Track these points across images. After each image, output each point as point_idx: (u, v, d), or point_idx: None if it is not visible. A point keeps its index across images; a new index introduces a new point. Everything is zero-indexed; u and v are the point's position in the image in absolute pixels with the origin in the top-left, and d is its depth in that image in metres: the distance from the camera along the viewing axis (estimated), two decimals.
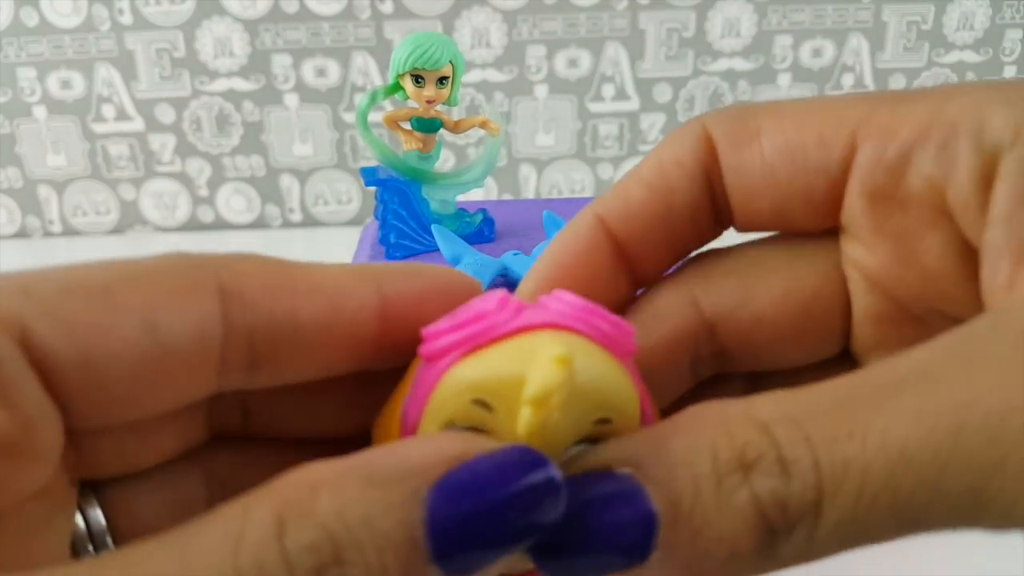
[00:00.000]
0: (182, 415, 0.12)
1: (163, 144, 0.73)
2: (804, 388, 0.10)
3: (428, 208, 0.29)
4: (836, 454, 0.09)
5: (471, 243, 0.28)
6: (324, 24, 0.69)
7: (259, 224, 0.75)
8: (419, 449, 0.09)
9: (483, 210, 0.31)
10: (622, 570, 0.10)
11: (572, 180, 0.76)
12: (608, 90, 0.71)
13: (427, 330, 0.12)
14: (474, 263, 0.23)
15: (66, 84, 0.71)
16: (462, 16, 0.69)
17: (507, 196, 0.75)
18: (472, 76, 0.70)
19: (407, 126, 0.29)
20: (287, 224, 0.76)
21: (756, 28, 0.71)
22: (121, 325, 0.10)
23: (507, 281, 0.24)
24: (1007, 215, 0.11)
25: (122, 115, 0.72)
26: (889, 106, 0.12)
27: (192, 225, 0.75)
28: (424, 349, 0.12)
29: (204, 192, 0.75)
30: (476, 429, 0.11)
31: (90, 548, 0.12)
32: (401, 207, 0.29)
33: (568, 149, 0.73)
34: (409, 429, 0.11)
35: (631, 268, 0.14)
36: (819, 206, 0.13)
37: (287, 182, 0.75)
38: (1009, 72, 0.75)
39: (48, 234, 0.75)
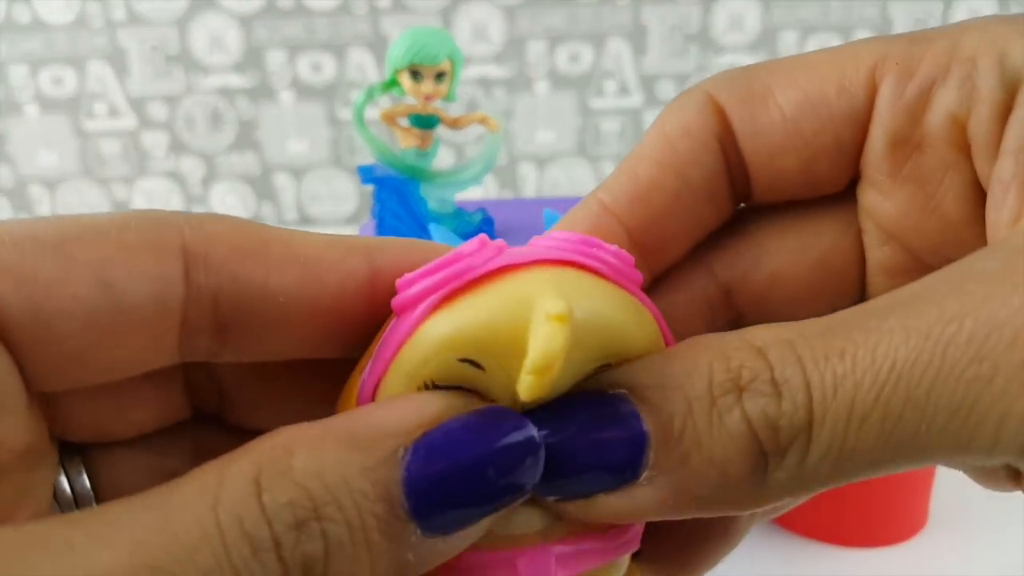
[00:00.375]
0: (158, 387, 0.12)
1: (156, 142, 0.72)
2: (804, 320, 0.10)
3: (426, 207, 0.29)
4: (827, 372, 0.09)
5: None
6: (320, 19, 0.69)
7: None
8: (397, 410, 0.09)
9: (482, 209, 0.30)
10: (612, 489, 0.10)
11: (573, 178, 0.75)
12: (610, 86, 0.70)
13: (401, 280, 0.10)
14: None
15: (58, 81, 0.70)
16: (461, 10, 0.69)
17: (507, 194, 0.74)
18: (471, 72, 0.69)
19: (404, 123, 0.28)
20: (282, 223, 0.75)
21: (761, 23, 0.70)
22: (73, 281, 0.10)
23: None
24: (1018, 147, 0.10)
25: (114, 112, 0.71)
26: (903, 45, 0.12)
27: None
28: (395, 300, 0.10)
29: (198, 190, 0.74)
30: (463, 388, 0.10)
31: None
32: (399, 206, 0.28)
33: (569, 146, 0.73)
34: (366, 394, 0.10)
35: (644, 258, 0.12)
36: (848, 156, 0.12)
37: (282, 180, 0.74)
38: None
39: None
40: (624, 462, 0.10)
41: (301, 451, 0.09)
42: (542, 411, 0.10)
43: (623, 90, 0.71)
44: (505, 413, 0.10)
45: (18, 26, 0.68)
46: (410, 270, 0.10)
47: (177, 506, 0.08)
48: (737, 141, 0.12)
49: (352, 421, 0.09)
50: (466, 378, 0.10)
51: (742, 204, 0.13)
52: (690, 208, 0.13)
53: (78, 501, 0.12)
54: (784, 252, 0.13)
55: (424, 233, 0.28)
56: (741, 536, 0.13)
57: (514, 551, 0.10)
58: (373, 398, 0.10)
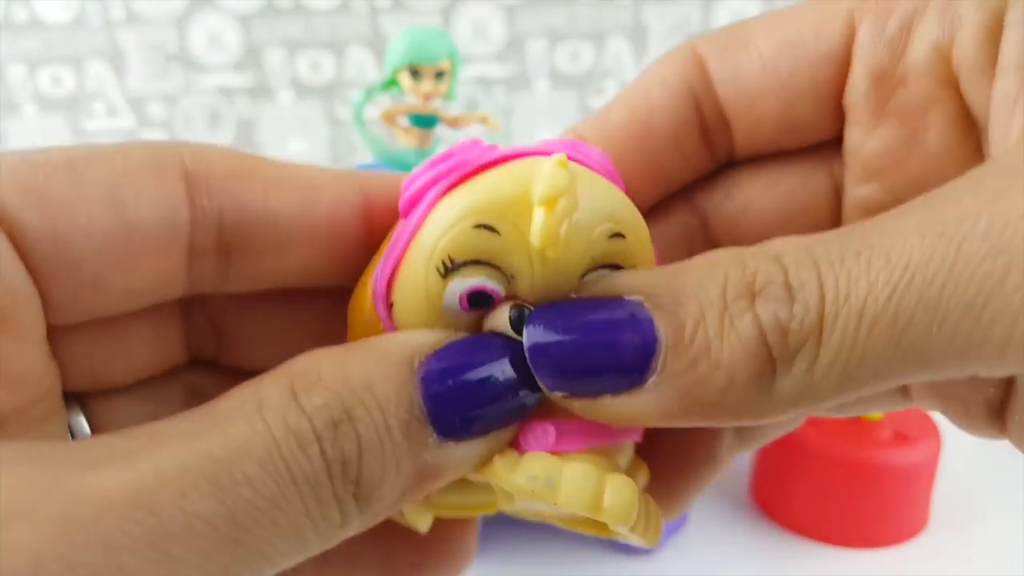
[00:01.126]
0: (157, 327, 0.12)
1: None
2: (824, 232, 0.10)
3: None
4: (841, 273, 0.09)
5: None
6: (319, 18, 0.68)
7: None
8: (409, 334, 0.10)
9: None
10: (618, 391, 0.10)
11: None
12: (611, 85, 0.70)
13: (404, 183, 0.11)
14: None
15: (56, 81, 0.70)
16: (461, 9, 0.69)
17: None
18: (471, 71, 0.69)
19: (404, 122, 0.28)
20: None
21: None
22: (87, 199, 0.10)
23: None
24: (1019, 62, 0.10)
25: (113, 111, 0.71)
26: None
27: None
28: (401, 201, 0.11)
29: None
30: (480, 263, 0.10)
31: None
32: None
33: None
34: (381, 288, 0.11)
35: None
36: (826, 97, 0.12)
37: None
38: None
39: None
40: (633, 366, 0.10)
41: (326, 364, 0.10)
42: (556, 308, 0.10)
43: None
44: (498, 338, 0.10)
45: (16, 25, 0.67)
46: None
47: (222, 414, 0.09)
48: (715, 89, 0.13)
49: (369, 341, 0.10)
50: (482, 248, 0.10)
51: (729, 161, 0.14)
52: (655, 152, 0.13)
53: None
54: (757, 186, 0.13)
55: None
56: (722, 464, 0.13)
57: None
58: (389, 290, 0.11)
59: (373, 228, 0.12)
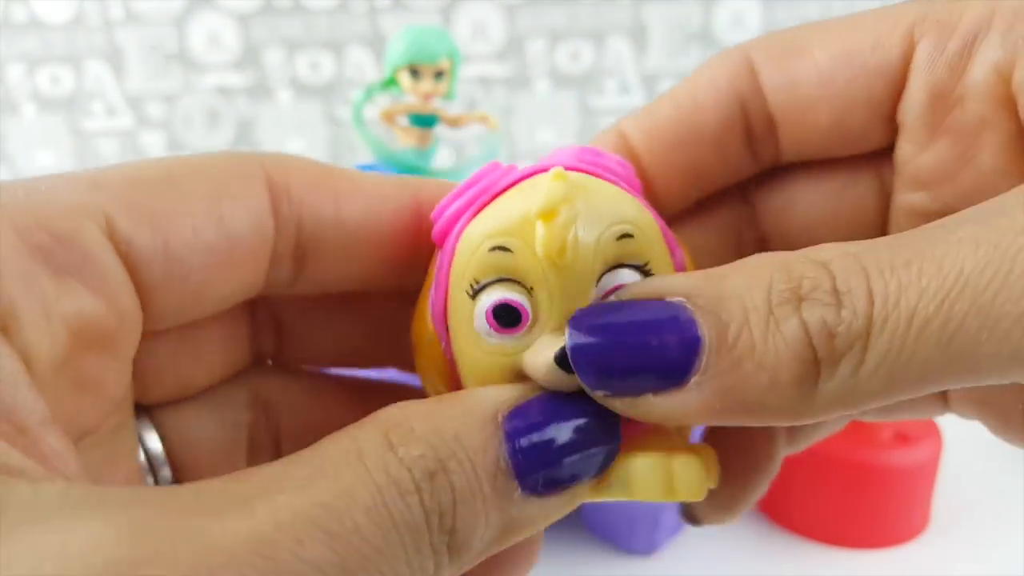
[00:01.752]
0: (227, 330, 0.13)
1: (153, 141, 0.72)
2: (871, 239, 0.10)
3: None
4: (891, 282, 0.09)
5: None
6: (318, 17, 0.68)
7: None
8: (491, 390, 0.11)
9: None
10: (660, 391, 0.10)
11: None
12: (610, 85, 0.70)
13: (434, 212, 0.12)
14: None
15: (55, 80, 0.70)
16: (460, 8, 0.68)
17: None
18: (471, 70, 0.69)
19: (403, 122, 0.28)
20: None
21: (763, 21, 0.70)
22: (192, 213, 0.10)
23: None
24: None
25: (112, 111, 0.71)
26: (942, 4, 0.12)
27: None
28: (434, 231, 0.12)
29: None
30: (501, 280, 0.11)
31: (149, 479, 0.12)
32: None
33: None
34: (438, 310, 0.12)
35: (650, 195, 0.13)
36: (880, 109, 0.13)
37: None
38: None
39: None
40: (676, 365, 0.10)
41: (416, 415, 0.10)
42: (598, 309, 0.11)
43: (624, 89, 0.71)
44: (581, 397, 0.11)
45: (15, 25, 0.67)
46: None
47: (327, 461, 0.09)
48: (765, 95, 0.13)
49: (454, 396, 0.11)
50: (500, 266, 0.11)
51: (772, 167, 0.14)
52: (697, 153, 0.13)
53: (151, 462, 0.12)
54: (804, 186, 0.14)
55: None
56: (779, 464, 0.14)
57: None
58: (445, 314, 0.12)
59: (423, 231, 0.12)
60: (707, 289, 0.10)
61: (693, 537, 0.28)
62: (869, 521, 0.27)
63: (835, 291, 0.09)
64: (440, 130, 0.29)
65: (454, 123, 0.28)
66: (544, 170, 0.11)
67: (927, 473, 0.27)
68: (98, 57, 0.69)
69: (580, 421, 0.10)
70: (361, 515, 0.08)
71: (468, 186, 0.12)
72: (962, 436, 0.35)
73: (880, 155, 0.13)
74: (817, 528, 0.28)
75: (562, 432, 0.10)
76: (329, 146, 0.73)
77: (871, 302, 0.09)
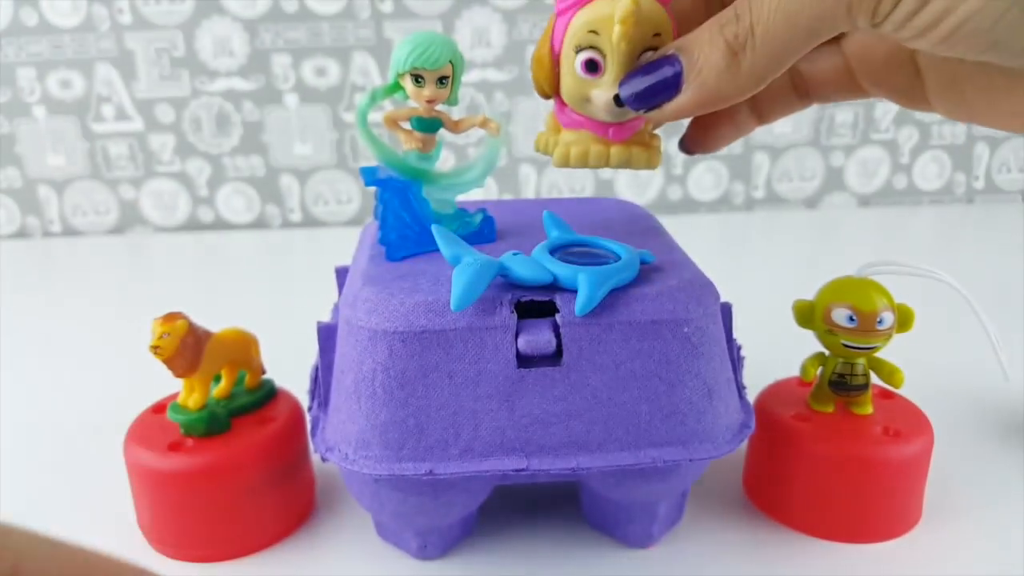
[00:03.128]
0: None
1: (163, 144, 0.73)
2: None
3: (428, 208, 0.29)
4: (756, 3, 0.19)
5: (471, 243, 0.28)
6: (324, 24, 0.69)
7: (259, 224, 0.75)
8: None
9: (483, 210, 0.31)
10: (670, 100, 0.21)
11: (572, 180, 0.75)
12: None
13: (557, 0, 0.23)
14: (474, 263, 0.23)
15: (66, 84, 0.71)
16: (462, 15, 0.69)
17: (507, 196, 0.75)
18: (472, 75, 0.70)
19: (407, 126, 0.29)
20: (287, 224, 0.76)
21: None
22: None
23: (507, 281, 0.24)
24: None
25: (122, 115, 0.72)
26: None
27: (192, 225, 0.75)
28: (557, 8, 0.23)
29: (204, 192, 0.74)
30: (591, 47, 0.23)
31: None
32: (401, 207, 0.29)
33: None
34: (556, 53, 0.23)
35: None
36: None
37: (287, 182, 0.75)
38: None
39: (48, 234, 0.75)
40: (673, 85, 0.21)
41: None
42: (635, 70, 0.22)
43: None
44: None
45: (26, 29, 0.68)
46: None
47: None
48: None
49: None
50: (592, 40, 0.22)
51: None
52: None
53: None
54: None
55: (426, 233, 0.29)
56: (743, 127, 0.28)
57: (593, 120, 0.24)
58: (559, 54, 0.24)
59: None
60: (683, 43, 0.21)
61: (689, 530, 0.29)
62: (862, 515, 0.28)
63: (736, 16, 0.19)
64: (443, 133, 0.30)
65: (456, 127, 0.29)
66: None
67: (919, 467, 0.28)
68: (107, 61, 0.70)
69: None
70: None
71: None
72: (954, 431, 0.35)
73: None
74: (811, 522, 0.28)
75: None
76: (334, 150, 0.74)
77: (750, 11, 0.19)
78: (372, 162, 0.30)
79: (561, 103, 0.25)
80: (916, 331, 0.28)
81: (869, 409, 0.29)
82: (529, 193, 0.75)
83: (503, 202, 0.36)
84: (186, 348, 0.26)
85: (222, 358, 0.28)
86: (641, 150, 0.25)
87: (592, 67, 0.23)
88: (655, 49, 0.22)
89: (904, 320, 0.28)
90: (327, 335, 0.26)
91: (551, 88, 0.25)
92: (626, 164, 0.25)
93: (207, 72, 0.71)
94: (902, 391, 0.31)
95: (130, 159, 0.74)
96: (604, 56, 0.23)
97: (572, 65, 0.23)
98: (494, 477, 0.24)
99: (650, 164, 0.25)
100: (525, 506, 0.30)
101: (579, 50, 0.23)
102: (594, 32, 0.22)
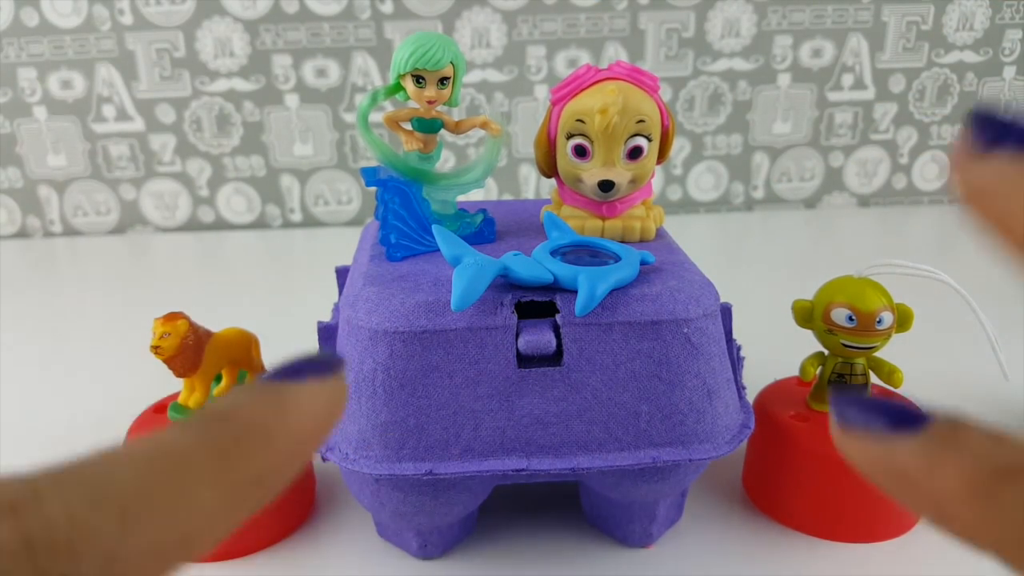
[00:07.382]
0: None
1: (163, 144, 0.73)
2: None
3: (429, 208, 0.29)
4: None
5: (471, 243, 0.28)
6: (324, 24, 0.69)
7: (259, 224, 0.76)
8: None
9: (483, 210, 0.31)
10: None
11: None
12: None
13: (553, 91, 0.27)
14: (474, 263, 0.23)
15: (66, 84, 0.71)
16: (462, 16, 0.69)
17: (507, 196, 0.75)
18: (472, 76, 0.70)
19: (408, 126, 0.29)
20: (287, 224, 0.76)
21: (756, 28, 0.70)
22: None
23: (507, 281, 0.24)
24: None
25: (122, 115, 0.72)
26: None
27: (192, 225, 0.75)
28: (552, 99, 0.27)
29: (204, 192, 0.74)
30: (580, 134, 0.26)
31: None
32: (401, 207, 0.29)
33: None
34: (552, 138, 0.27)
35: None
36: None
37: (287, 182, 0.75)
38: (1008, 72, 0.74)
39: (48, 234, 0.75)
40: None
41: None
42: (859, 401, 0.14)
43: None
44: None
45: (26, 29, 0.68)
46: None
47: None
48: None
49: None
50: (579, 128, 0.25)
51: None
52: None
53: None
54: None
55: (427, 234, 0.29)
56: None
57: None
58: (554, 139, 0.27)
59: None
60: None
61: (688, 530, 0.29)
62: (861, 515, 0.28)
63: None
64: (443, 134, 0.30)
65: (457, 128, 0.29)
66: (610, 78, 0.26)
67: None
68: (108, 61, 0.70)
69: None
70: None
71: (572, 80, 0.26)
72: None
73: None
74: (810, 522, 0.28)
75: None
76: (335, 150, 0.74)
77: None
78: (373, 162, 0.30)
79: (561, 181, 0.28)
80: (915, 331, 0.28)
81: None
82: (529, 193, 0.75)
83: (503, 202, 0.36)
84: (187, 348, 0.26)
85: (223, 358, 0.28)
86: (636, 223, 0.27)
87: (581, 152, 0.26)
88: (641, 135, 0.25)
89: (903, 320, 0.28)
90: (327, 335, 0.26)
91: (550, 169, 0.28)
92: (620, 238, 0.28)
93: (208, 72, 0.71)
94: (901, 391, 0.31)
95: (131, 159, 0.74)
96: (592, 142, 0.26)
97: (565, 150, 0.27)
98: (494, 477, 0.24)
99: (645, 236, 0.28)
100: (525, 506, 0.30)
101: (569, 136, 0.26)
102: (581, 121, 0.25)
